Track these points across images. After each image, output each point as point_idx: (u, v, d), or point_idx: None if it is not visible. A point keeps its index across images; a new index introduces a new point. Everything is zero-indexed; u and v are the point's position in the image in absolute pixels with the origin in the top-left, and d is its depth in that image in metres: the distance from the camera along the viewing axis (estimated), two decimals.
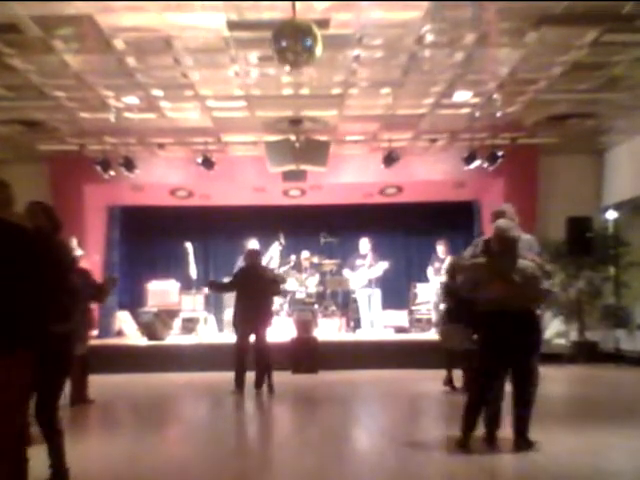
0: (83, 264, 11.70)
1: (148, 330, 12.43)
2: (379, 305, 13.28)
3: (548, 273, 6.02)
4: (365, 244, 13.31)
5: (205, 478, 5.15)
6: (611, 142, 12.82)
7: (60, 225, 4.70)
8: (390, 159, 12.28)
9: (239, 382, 9.02)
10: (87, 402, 8.38)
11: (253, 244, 13.22)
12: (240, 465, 5.51)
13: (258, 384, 9.10)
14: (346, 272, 13.45)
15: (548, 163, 13.22)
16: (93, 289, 8.36)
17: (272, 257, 13.58)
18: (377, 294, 13.19)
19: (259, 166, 12.59)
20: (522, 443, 5.61)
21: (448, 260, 10.01)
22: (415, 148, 12.84)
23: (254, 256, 9.63)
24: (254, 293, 9.10)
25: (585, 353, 12.08)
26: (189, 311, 13.46)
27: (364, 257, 13.23)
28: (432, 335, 12.75)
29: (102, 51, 8.13)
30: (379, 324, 13.21)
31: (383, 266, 13.02)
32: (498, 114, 10.89)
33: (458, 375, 8.74)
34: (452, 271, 8.83)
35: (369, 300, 13.22)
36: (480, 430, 5.77)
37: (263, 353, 9.12)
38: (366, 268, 13.12)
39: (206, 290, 13.74)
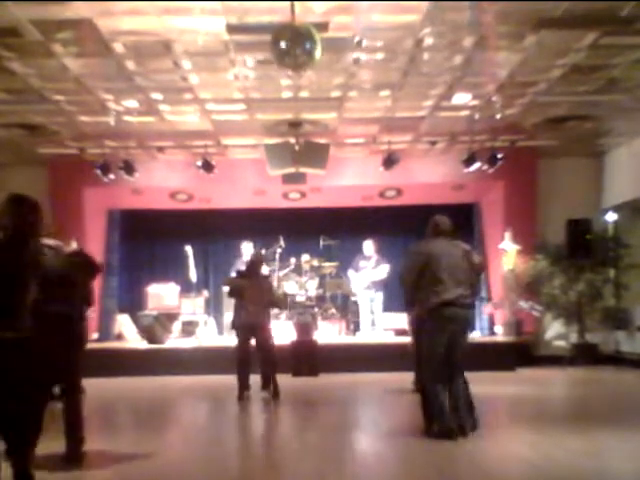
0: None
1: (148, 333, 12.43)
2: (380, 308, 13.28)
3: None
4: (369, 246, 13.32)
5: None
6: (610, 144, 12.82)
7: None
8: (390, 162, 12.29)
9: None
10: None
11: (247, 247, 13.28)
12: (241, 468, 5.52)
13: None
14: (350, 273, 13.45)
15: (548, 165, 13.23)
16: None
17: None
18: (379, 297, 13.18)
19: (259, 169, 12.60)
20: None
21: None
22: (415, 150, 12.85)
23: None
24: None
25: (585, 355, 12.09)
26: (189, 314, 13.45)
27: (368, 259, 13.24)
28: None
29: (102, 55, 8.14)
30: (379, 327, 13.20)
31: (385, 269, 13.02)
32: (497, 116, 10.91)
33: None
34: None
35: (371, 303, 13.22)
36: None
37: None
38: (369, 270, 13.13)
39: (206, 293, 13.77)
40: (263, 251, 12.43)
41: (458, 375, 6.33)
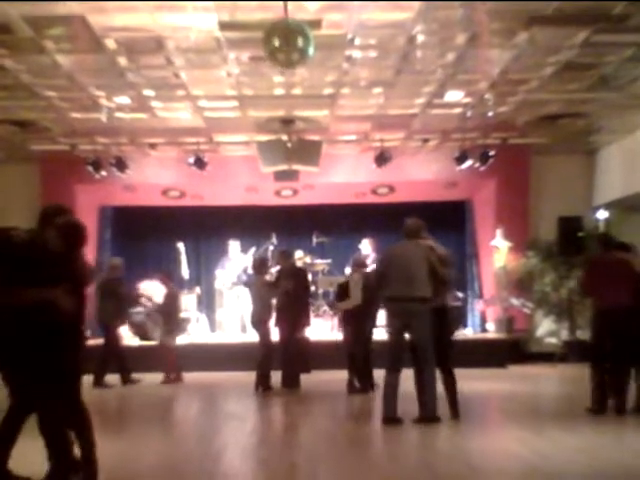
0: None
1: (140, 330, 12.42)
2: None
3: None
4: (366, 245, 13.32)
5: (197, 477, 5.15)
6: (602, 142, 12.86)
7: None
8: (382, 159, 12.30)
9: None
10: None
11: (234, 245, 13.30)
12: (232, 464, 5.52)
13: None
14: (348, 270, 13.44)
15: (539, 163, 13.27)
16: None
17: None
18: None
19: (251, 166, 12.59)
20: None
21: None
22: (407, 148, 12.87)
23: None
24: None
25: (576, 352, 12.13)
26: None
27: (367, 257, 13.24)
28: None
29: (93, 51, 8.11)
30: None
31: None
32: (490, 114, 10.93)
33: None
34: None
35: None
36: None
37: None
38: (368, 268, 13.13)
39: (198, 290, 13.73)
40: (254, 249, 12.67)
41: (426, 366, 6.70)
